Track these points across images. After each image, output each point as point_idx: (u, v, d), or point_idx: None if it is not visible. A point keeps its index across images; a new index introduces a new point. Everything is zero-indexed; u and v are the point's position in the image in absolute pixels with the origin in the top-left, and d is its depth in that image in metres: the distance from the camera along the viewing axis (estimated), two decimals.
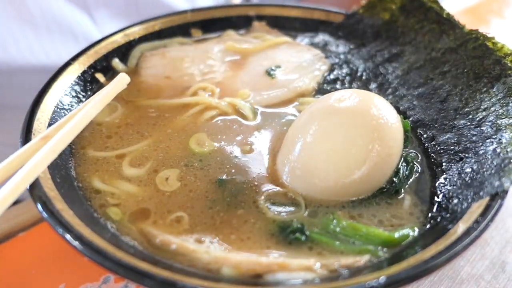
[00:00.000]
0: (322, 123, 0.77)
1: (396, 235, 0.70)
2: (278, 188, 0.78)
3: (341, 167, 0.74)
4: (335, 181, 0.74)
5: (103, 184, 0.78)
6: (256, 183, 0.78)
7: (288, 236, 0.70)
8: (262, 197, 0.76)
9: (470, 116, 0.82)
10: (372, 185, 0.76)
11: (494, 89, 0.82)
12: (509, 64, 0.82)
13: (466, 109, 0.84)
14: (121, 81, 0.85)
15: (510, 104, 0.79)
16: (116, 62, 0.99)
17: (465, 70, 0.87)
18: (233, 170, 0.81)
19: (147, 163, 0.81)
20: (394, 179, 0.77)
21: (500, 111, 0.79)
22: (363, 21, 1.04)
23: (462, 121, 0.83)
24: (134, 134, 0.87)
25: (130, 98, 0.94)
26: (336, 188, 0.75)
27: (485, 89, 0.83)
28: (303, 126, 0.79)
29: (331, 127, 0.76)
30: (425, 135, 0.87)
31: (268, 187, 0.78)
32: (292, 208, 0.75)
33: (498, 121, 0.78)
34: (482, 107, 0.81)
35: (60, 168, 0.76)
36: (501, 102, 0.80)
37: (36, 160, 0.68)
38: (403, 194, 0.77)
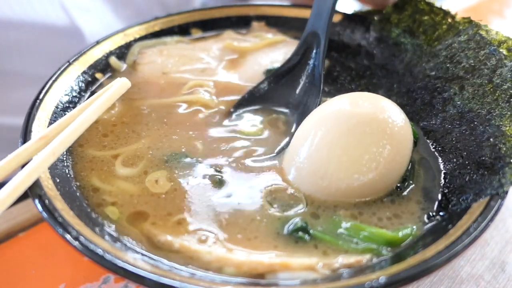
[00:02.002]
0: (336, 127, 0.76)
1: (400, 234, 0.70)
2: (282, 187, 0.77)
3: (353, 172, 0.74)
4: (345, 185, 0.74)
5: (100, 183, 0.77)
6: (259, 182, 0.78)
7: (292, 234, 0.70)
8: (266, 196, 0.76)
9: (468, 112, 0.82)
10: (380, 189, 0.76)
11: (491, 81, 0.81)
12: (504, 53, 0.81)
13: (464, 104, 0.83)
14: (122, 85, 0.85)
15: (509, 100, 0.78)
16: (113, 60, 0.99)
17: (461, 63, 0.86)
18: (233, 170, 0.80)
19: (140, 163, 0.81)
20: (399, 184, 0.78)
21: (500, 107, 0.78)
22: (361, 20, 1.04)
23: (460, 117, 0.83)
24: (129, 133, 0.87)
25: (129, 96, 0.94)
26: (344, 191, 0.74)
27: (480, 81, 0.82)
28: (315, 127, 0.78)
29: (346, 132, 0.75)
30: (425, 134, 0.87)
31: (272, 186, 0.78)
32: (295, 207, 0.75)
33: (498, 118, 0.77)
34: (479, 101, 0.81)
35: (59, 167, 0.76)
36: (498, 94, 0.79)
37: (35, 162, 0.69)
38: (406, 194, 0.77)
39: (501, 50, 0.82)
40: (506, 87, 0.78)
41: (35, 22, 1.18)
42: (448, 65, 0.89)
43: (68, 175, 0.78)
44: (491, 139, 0.76)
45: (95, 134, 0.86)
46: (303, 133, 0.80)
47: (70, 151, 0.82)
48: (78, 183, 0.77)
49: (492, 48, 0.83)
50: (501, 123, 0.76)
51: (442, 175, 0.80)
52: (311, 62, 0.96)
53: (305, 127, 0.80)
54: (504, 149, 0.73)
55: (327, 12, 0.95)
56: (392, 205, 0.76)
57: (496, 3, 1.79)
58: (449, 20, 0.92)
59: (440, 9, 0.94)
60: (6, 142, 0.76)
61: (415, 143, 0.82)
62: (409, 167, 0.80)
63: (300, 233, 0.70)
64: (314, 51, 0.96)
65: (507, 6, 1.77)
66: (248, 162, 0.82)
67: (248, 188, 0.77)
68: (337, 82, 1.01)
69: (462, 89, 0.85)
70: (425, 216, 0.74)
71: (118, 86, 0.85)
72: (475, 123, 0.80)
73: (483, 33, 0.85)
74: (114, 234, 0.70)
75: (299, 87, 0.96)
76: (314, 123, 0.79)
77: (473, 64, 0.85)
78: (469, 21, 0.89)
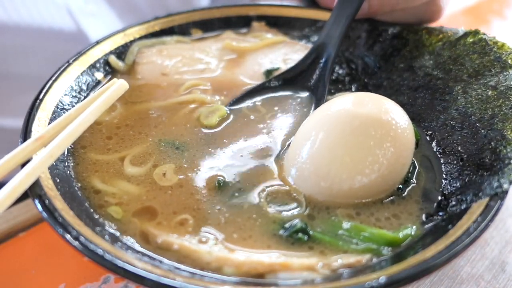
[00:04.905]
0: (340, 128, 0.75)
1: (400, 235, 0.70)
2: (280, 187, 0.77)
3: (356, 173, 0.73)
4: (348, 186, 0.74)
5: (103, 184, 0.78)
6: (258, 182, 0.78)
7: (292, 236, 0.70)
8: (265, 196, 0.76)
9: (471, 116, 0.82)
10: (382, 190, 0.76)
11: (495, 88, 0.81)
12: (509, 62, 0.81)
13: (467, 108, 0.83)
14: (120, 87, 0.85)
15: (511, 104, 0.78)
16: (112, 59, 0.99)
17: (465, 67, 0.87)
18: (233, 169, 0.81)
19: (148, 163, 0.81)
20: (401, 186, 0.78)
21: (503, 113, 0.78)
22: (360, 21, 1.04)
23: (462, 121, 0.83)
24: (133, 134, 0.87)
25: (131, 99, 0.94)
26: (346, 192, 0.74)
27: (485, 87, 0.83)
28: (317, 127, 0.77)
29: (350, 133, 0.74)
30: (425, 135, 0.87)
31: (271, 186, 0.78)
32: (294, 207, 0.75)
33: (501, 124, 0.77)
34: (482, 106, 0.81)
35: (59, 167, 0.77)
36: (502, 101, 0.79)
37: (33, 164, 0.68)
38: (406, 195, 0.77)
39: (506, 59, 0.82)
40: (510, 94, 0.79)
41: (41, 27, 1.19)
42: (451, 66, 0.89)
43: (70, 176, 0.78)
44: (492, 143, 0.76)
45: (99, 136, 0.86)
46: (305, 133, 0.79)
47: (71, 152, 0.82)
48: (79, 184, 0.77)
49: (497, 55, 0.83)
50: (503, 128, 0.76)
51: (442, 176, 0.80)
52: (317, 72, 0.97)
53: (307, 127, 0.80)
54: (504, 151, 0.73)
55: (341, 28, 0.96)
56: (391, 206, 0.76)
57: (496, 3, 1.79)
58: (454, 30, 0.92)
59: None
60: (11, 145, 0.76)
61: (417, 145, 0.82)
62: (411, 168, 0.80)
63: (300, 234, 0.70)
64: (322, 62, 0.97)
65: (507, 6, 1.77)
66: (249, 161, 0.82)
67: (247, 188, 0.77)
68: (337, 82, 1.01)
69: (465, 93, 0.85)
70: (425, 217, 0.74)
71: (116, 88, 0.84)
72: (477, 127, 0.80)
73: (489, 41, 0.85)
74: (115, 233, 0.70)
75: (302, 94, 0.97)
76: (316, 123, 0.79)
77: (477, 69, 0.85)
78: (476, 30, 0.88)
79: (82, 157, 0.82)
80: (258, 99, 0.95)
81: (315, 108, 0.91)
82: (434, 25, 0.98)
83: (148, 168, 0.80)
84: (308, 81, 0.97)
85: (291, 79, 0.98)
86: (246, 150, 0.84)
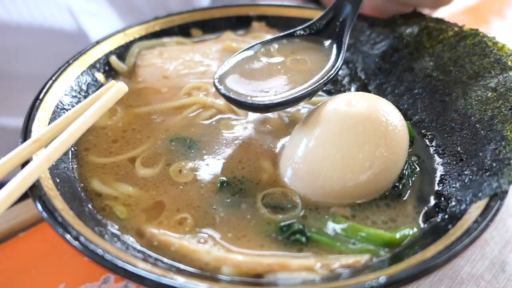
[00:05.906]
0: (331, 127, 0.76)
1: (397, 235, 0.70)
2: (278, 188, 0.78)
3: (347, 171, 0.73)
4: (340, 185, 0.74)
5: (107, 187, 0.78)
6: (256, 182, 0.79)
7: (290, 237, 0.70)
8: (262, 197, 0.76)
9: (471, 117, 0.82)
10: (375, 190, 0.76)
11: (495, 89, 0.81)
12: (509, 64, 0.82)
13: (466, 109, 0.83)
14: (119, 90, 0.84)
15: (510, 105, 0.78)
16: (113, 59, 0.99)
17: (465, 68, 0.87)
18: (234, 169, 0.81)
19: (158, 164, 0.81)
20: (397, 184, 0.77)
21: (503, 114, 0.78)
22: (360, 20, 1.04)
23: (462, 122, 0.83)
24: (140, 138, 0.87)
25: (131, 103, 0.94)
26: (339, 191, 0.74)
27: (485, 89, 0.83)
28: (310, 127, 0.78)
29: (340, 131, 0.75)
30: (425, 136, 0.87)
31: (268, 187, 0.78)
32: (290, 208, 0.75)
33: (500, 124, 0.77)
34: (482, 107, 0.81)
35: (59, 168, 0.77)
36: (501, 102, 0.79)
37: (31, 168, 0.68)
38: (403, 196, 0.77)
39: (506, 61, 0.82)
40: (509, 96, 0.79)
41: (42, 27, 1.19)
42: (451, 67, 0.89)
43: (73, 178, 0.78)
44: (492, 144, 0.76)
45: (104, 140, 0.86)
46: (300, 133, 0.80)
47: (75, 154, 0.82)
48: (82, 185, 0.78)
49: (497, 57, 0.83)
50: (503, 129, 0.76)
51: (442, 177, 0.80)
52: (335, 31, 0.95)
53: (302, 128, 0.80)
54: (504, 152, 0.73)
55: None
56: (388, 208, 0.75)
57: (496, 3, 1.79)
58: (456, 28, 0.92)
59: (449, 22, 0.94)
60: (11, 145, 0.76)
61: (412, 142, 0.82)
62: (406, 167, 0.79)
63: (298, 235, 0.70)
64: (340, 20, 0.95)
65: (507, 6, 1.77)
66: (249, 161, 0.82)
67: (247, 187, 0.78)
68: (337, 82, 1.01)
69: (464, 94, 0.85)
70: (423, 217, 0.74)
71: (115, 91, 0.84)
72: (477, 128, 0.80)
73: (489, 43, 0.86)
74: (115, 233, 0.70)
75: (322, 43, 0.95)
76: (310, 123, 0.79)
77: (477, 71, 0.85)
78: (476, 31, 0.88)
79: (85, 160, 0.82)
80: (275, 47, 0.93)
81: (334, 60, 0.89)
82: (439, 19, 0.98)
83: (161, 168, 0.80)
84: (329, 33, 0.95)
85: (310, 31, 0.97)
86: (246, 150, 0.84)
